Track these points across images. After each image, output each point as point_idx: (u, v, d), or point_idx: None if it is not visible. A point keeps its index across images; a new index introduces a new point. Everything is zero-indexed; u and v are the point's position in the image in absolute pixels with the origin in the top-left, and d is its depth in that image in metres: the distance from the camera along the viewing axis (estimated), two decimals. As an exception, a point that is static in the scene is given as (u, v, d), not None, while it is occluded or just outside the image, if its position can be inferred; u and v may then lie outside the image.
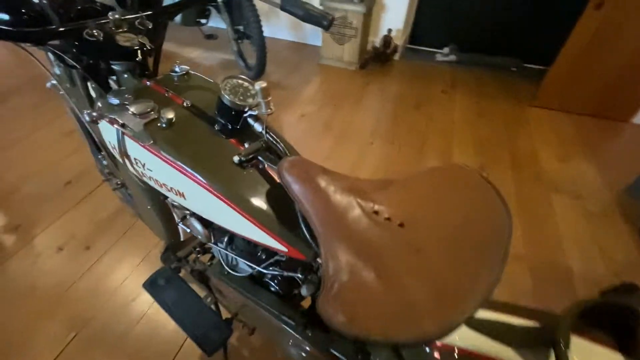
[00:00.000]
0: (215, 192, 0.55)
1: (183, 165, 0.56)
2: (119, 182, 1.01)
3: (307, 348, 0.67)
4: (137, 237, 1.35)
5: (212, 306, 0.90)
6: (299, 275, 0.64)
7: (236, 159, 0.56)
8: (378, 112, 2.18)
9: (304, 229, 0.54)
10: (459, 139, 1.98)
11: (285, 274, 0.66)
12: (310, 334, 0.67)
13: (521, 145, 1.94)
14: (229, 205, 0.55)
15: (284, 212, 0.55)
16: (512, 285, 1.25)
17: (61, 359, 1.00)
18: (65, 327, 1.07)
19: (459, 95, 2.39)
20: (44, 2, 0.58)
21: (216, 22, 3.09)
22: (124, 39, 0.63)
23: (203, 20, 2.64)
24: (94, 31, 0.60)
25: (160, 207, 0.86)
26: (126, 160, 0.65)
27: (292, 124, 2.05)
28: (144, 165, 0.62)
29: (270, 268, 0.69)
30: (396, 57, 2.87)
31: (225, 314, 0.94)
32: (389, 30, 2.66)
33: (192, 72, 0.73)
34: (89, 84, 0.73)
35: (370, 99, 2.32)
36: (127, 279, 1.21)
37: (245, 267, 0.74)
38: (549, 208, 1.57)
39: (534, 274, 1.29)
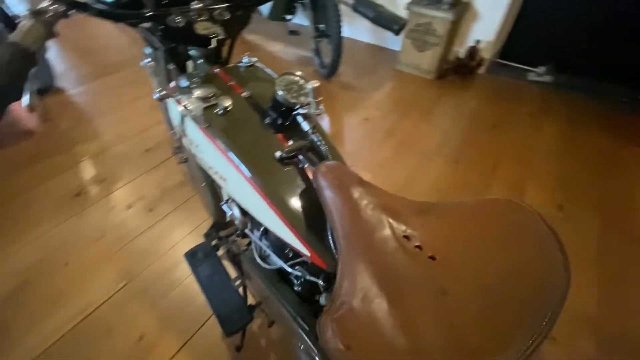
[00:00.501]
0: (251, 183, 0.56)
1: (228, 152, 0.58)
2: (183, 157, 1.10)
3: (316, 358, 0.65)
4: (193, 209, 1.47)
5: (240, 290, 0.93)
6: (321, 282, 0.62)
7: (277, 154, 0.56)
8: (448, 126, 2.04)
9: (330, 237, 0.52)
10: (537, 170, 1.75)
11: (308, 277, 0.65)
12: (321, 346, 0.65)
13: (615, 190, 1.64)
14: (262, 197, 0.55)
15: (314, 216, 0.54)
16: (570, 348, 1.07)
17: (109, 303, 1.14)
18: (118, 276, 1.21)
19: (548, 122, 2.11)
20: (141, -13, 0.65)
21: (301, 19, 3.20)
22: (202, 27, 0.67)
23: (289, 17, 2.75)
24: (177, 18, 0.65)
25: (211, 187, 0.91)
26: (184, 139, 0.70)
27: (352, 126, 2.03)
28: (197, 146, 0.66)
29: (296, 268, 0.69)
30: (481, 70, 2.64)
31: (250, 301, 0.97)
32: (477, 42, 2.46)
33: (258, 65, 0.76)
34: (169, 65, 0.81)
35: (442, 111, 2.18)
36: (175, 245, 1.32)
37: (274, 260, 0.75)
38: (637, 267, 1.30)
39: (600, 341, 1.08)
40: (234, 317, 0.88)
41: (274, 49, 2.89)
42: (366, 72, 2.59)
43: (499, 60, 2.83)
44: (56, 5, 0.49)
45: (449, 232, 0.44)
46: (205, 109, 0.62)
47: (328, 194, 0.49)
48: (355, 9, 0.68)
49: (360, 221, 0.45)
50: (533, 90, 2.44)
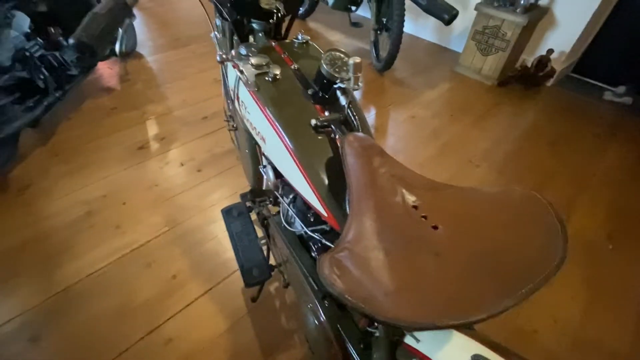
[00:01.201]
0: (285, 144, 0.62)
1: (270, 114, 0.65)
2: (234, 125, 1.21)
3: (321, 318, 0.71)
4: (236, 176, 1.59)
5: (264, 250, 1.02)
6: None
7: (313, 122, 0.62)
8: (500, 135, 1.95)
9: (347, 201, 0.56)
10: (591, 195, 1.62)
11: (324, 241, 0.70)
12: (326, 304, 0.70)
13: (685, 230, 1.47)
14: (293, 158, 0.61)
15: (336, 182, 0.58)
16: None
17: (153, 242, 1.30)
18: (163, 221, 1.37)
19: (615, 146, 1.92)
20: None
21: (365, 11, 3.21)
22: (265, 2, 0.75)
23: (353, 7, 2.78)
24: None
25: (253, 152, 1.00)
26: (236, 101, 0.78)
27: (398, 122, 2.02)
28: (245, 108, 0.74)
29: (316, 233, 0.74)
30: (549, 82, 2.46)
31: (272, 261, 1.05)
32: (549, 51, 2.29)
33: (311, 43, 0.81)
34: (234, 37, 0.90)
35: (496, 120, 2.08)
36: (215, 204, 1.45)
37: (298, 225, 0.82)
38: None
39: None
40: (254, 272, 0.97)
41: (333, 39, 2.94)
42: (422, 71, 2.54)
43: (572, 74, 2.61)
44: None
45: (456, 209, 0.47)
46: (257, 75, 0.69)
47: (350, 160, 0.53)
48: (410, -4, 0.70)
49: (375, 186, 0.48)
50: (605, 111, 2.23)
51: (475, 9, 2.28)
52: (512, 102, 2.25)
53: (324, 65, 0.63)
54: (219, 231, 1.34)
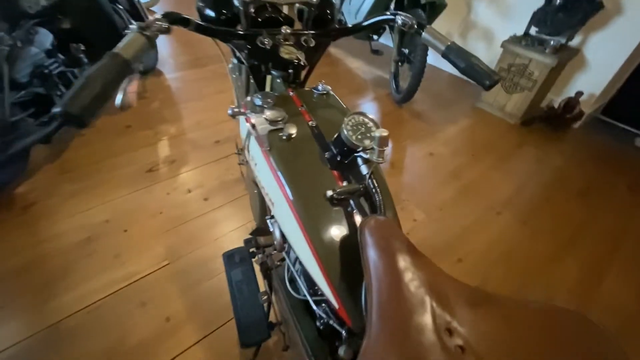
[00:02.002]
0: (295, 215, 0.55)
1: (281, 178, 0.58)
2: (244, 160, 1.15)
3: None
4: (243, 208, 1.53)
5: (265, 305, 0.93)
6: (344, 333, 0.58)
7: (329, 193, 0.55)
8: (524, 180, 1.84)
9: (363, 298, 0.48)
10: (626, 257, 1.48)
11: (332, 322, 0.62)
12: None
13: None
14: (303, 233, 0.54)
15: (351, 268, 0.51)
16: None
17: (151, 277, 1.23)
18: (164, 253, 1.31)
19: (652, 200, 1.79)
20: (241, 8, 0.69)
21: (386, 39, 3.19)
22: (286, 51, 0.69)
23: (375, 36, 2.76)
24: (265, 40, 0.68)
25: (261, 197, 0.93)
26: (246, 152, 0.72)
27: (416, 158, 1.94)
28: (256, 164, 0.68)
29: (322, 305, 0.66)
30: (576, 125, 2.35)
31: (272, 317, 0.96)
32: (579, 93, 2.19)
33: (332, 94, 0.75)
34: (250, 79, 0.85)
35: (520, 162, 1.98)
36: (220, 237, 1.39)
37: (302, 289, 0.73)
38: None
39: None
40: (252, 330, 0.89)
41: (353, 66, 2.91)
42: (442, 105, 2.47)
43: (601, 117, 2.49)
44: (161, 23, 0.54)
45: (503, 337, 0.38)
46: (271, 131, 0.63)
47: (371, 254, 0.45)
48: (446, 55, 0.64)
49: (400, 296, 0.40)
50: (638, 159, 2.09)
51: (502, 46, 2.21)
52: (536, 144, 2.15)
53: (345, 131, 0.56)
54: (221, 269, 1.26)
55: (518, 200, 1.72)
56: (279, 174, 0.59)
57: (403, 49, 2.30)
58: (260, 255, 1.04)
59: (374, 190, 0.56)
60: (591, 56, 2.17)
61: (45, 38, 1.68)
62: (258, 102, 0.68)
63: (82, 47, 1.89)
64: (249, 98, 0.72)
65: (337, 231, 0.53)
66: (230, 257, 1.03)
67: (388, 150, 0.51)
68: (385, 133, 0.50)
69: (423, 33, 0.66)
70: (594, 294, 1.33)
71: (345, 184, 0.58)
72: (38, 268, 1.23)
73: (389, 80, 2.55)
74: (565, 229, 1.58)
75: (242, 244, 1.33)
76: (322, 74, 2.66)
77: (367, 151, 0.56)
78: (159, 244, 1.34)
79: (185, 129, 1.98)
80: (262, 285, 0.98)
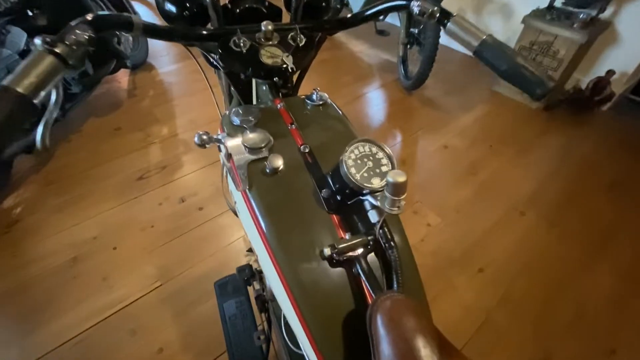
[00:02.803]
0: (284, 282, 0.42)
1: (264, 229, 0.44)
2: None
3: None
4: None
5: (263, 345, 0.82)
6: None
7: (326, 251, 0.41)
8: (549, 174, 1.67)
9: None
10: (668, 259, 1.32)
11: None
12: None
13: None
14: (293, 305, 0.41)
15: (354, 353, 0.38)
16: None
17: (141, 302, 1.13)
18: (155, 273, 1.20)
19: (694, 193, 1.60)
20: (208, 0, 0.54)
21: (393, 18, 2.94)
22: (268, 54, 0.54)
23: (380, 16, 2.53)
24: (241, 41, 0.52)
25: None
26: (224, 180, 0.58)
27: (428, 152, 1.77)
28: (235, 203, 0.54)
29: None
30: (604, 107, 2.14)
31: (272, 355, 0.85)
32: (610, 72, 1.97)
33: (330, 103, 0.60)
34: (231, 87, 0.70)
35: (544, 152, 1.80)
36: (215, 253, 1.27)
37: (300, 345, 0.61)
38: None
39: None
40: (248, 373, 0.78)
41: (356, 49, 2.70)
42: (456, 90, 2.27)
43: (631, 97, 2.26)
44: (81, 32, 0.38)
45: None
46: (252, 162, 0.49)
47: (385, 350, 0.32)
48: (479, 54, 0.47)
49: None
50: (678, 145, 1.89)
51: (523, 21, 1.98)
52: (561, 131, 1.95)
53: (346, 166, 0.41)
54: (217, 290, 1.16)
55: (543, 197, 1.55)
56: (261, 222, 0.45)
57: (412, 30, 2.10)
58: (255, 283, 0.93)
59: (387, 245, 0.42)
60: (624, 29, 1.93)
61: (19, 38, 1.53)
62: (236, 120, 0.54)
63: (63, 44, 1.74)
64: (227, 112, 0.58)
65: (336, 301, 0.40)
66: (222, 287, 0.91)
67: (404, 198, 0.37)
68: (402, 178, 0.35)
69: (448, 24, 0.50)
70: (630, 305, 1.19)
71: (348, 235, 0.44)
72: (21, 294, 1.14)
73: (396, 64, 2.34)
74: (596, 229, 1.42)
75: (241, 259, 1.22)
76: (322, 61, 2.47)
77: (377, 194, 0.41)
78: (150, 262, 1.24)
79: (178, 128, 1.84)
80: (258, 316, 0.87)
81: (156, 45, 2.53)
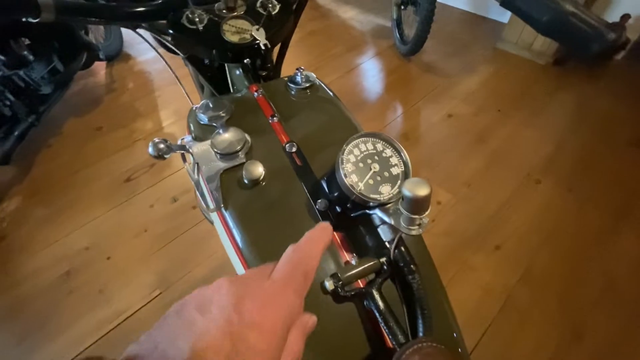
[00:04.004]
0: None
1: (244, 257, 0.35)
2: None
3: None
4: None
5: None
6: None
7: (328, 284, 0.32)
8: (564, 135, 1.55)
9: None
10: (699, 218, 1.23)
11: None
12: None
13: None
14: None
15: None
16: None
17: (141, 313, 1.07)
18: (154, 281, 1.13)
19: None
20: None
21: (384, -23, 2.70)
22: (232, 29, 0.42)
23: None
24: (195, 15, 0.41)
25: None
26: (198, 195, 0.48)
27: (432, 123, 1.65)
28: (212, 222, 0.45)
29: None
30: (619, 56, 1.97)
31: None
32: (625, 17, 1.77)
33: (319, 84, 0.49)
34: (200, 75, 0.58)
35: (557, 112, 1.67)
36: (214, 254, 1.20)
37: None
38: None
39: None
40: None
41: (347, 16, 2.50)
42: (458, 51, 2.10)
43: (649, 42, 2.07)
44: None
45: None
46: (225, 172, 0.39)
47: None
48: (509, 4, 0.36)
49: None
50: (703, 91, 1.75)
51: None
52: (574, 87, 1.81)
53: (344, 173, 0.31)
54: (220, 294, 1.09)
55: (559, 161, 1.44)
56: (241, 249, 0.35)
57: (405, -12, 1.90)
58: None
59: (406, 270, 0.32)
60: (643, -36, 1.73)
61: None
62: (204, 118, 0.43)
63: (26, 42, 1.59)
64: (193, 108, 0.47)
65: (347, 354, 0.31)
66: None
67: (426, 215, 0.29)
68: (424, 191, 0.25)
69: None
70: (663, 270, 1.11)
71: (354, 259, 0.34)
72: (16, 314, 1.09)
73: (391, 28, 2.16)
74: (618, 192, 1.32)
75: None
76: (309, 33, 2.29)
77: (389, 206, 0.31)
78: (147, 270, 1.17)
79: (163, 121, 1.73)
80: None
81: (131, 32, 2.34)
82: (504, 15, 2.20)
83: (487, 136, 1.56)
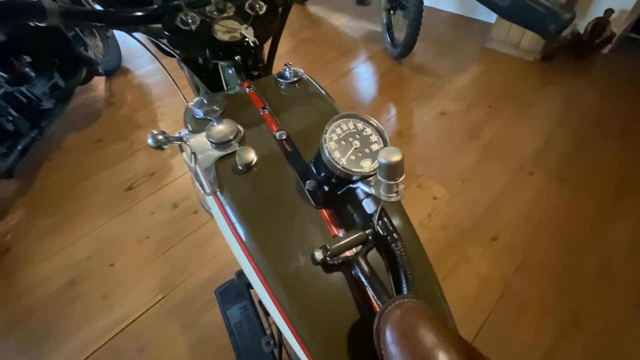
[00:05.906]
0: (270, 292, 0.35)
1: (242, 237, 0.37)
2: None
3: None
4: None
5: (274, 350, 0.77)
6: None
7: (317, 255, 0.34)
8: (553, 128, 1.58)
9: None
10: (690, 201, 1.25)
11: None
12: None
13: None
14: (284, 318, 0.34)
15: None
16: None
17: (145, 317, 1.08)
18: (157, 285, 1.15)
19: None
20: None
21: (373, -15, 2.78)
22: (223, 29, 0.45)
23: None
24: (188, 17, 0.44)
25: None
26: (196, 183, 0.51)
27: (425, 122, 1.68)
28: (210, 209, 0.48)
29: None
30: (605, 49, 2.02)
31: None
32: (609, 11, 1.84)
33: (307, 78, 0.52)
34: (194, 75, 0.62)
35: (546, 106, 1.71)
36: (217, 256, 1.21)
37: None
38: None
39: None
40: (261, 383, 0.73)
41: (338, 23, 2.56)
42: (447, 51, 2.15)
43: (632, 35, 2.13)
44: None
45: None
46: (220, 160, 0.41)
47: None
48: (476, -8, 0.39)
49: None
50: (688, 79, 1.79)
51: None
52: (562, 81, 1.85)
53: (327, 151, 0.34)
54: (222, 295, 1.11)
55: (551, 153, 1.47)
56: (237, 228, 0.38)
57: (393, -7, 1.96)
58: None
59: (389, 238, 0.35)
60: (621, -39, 1.79)
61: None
62: (199, 112, 0.46)
63: (28, 59, 1.64)
64: (188, 105, 0.50)
65: (338, 320, 0.33)
66: (223, 294, 0.85)
67: (402, 182, 0.32)
68: (396, 156, 0.28)
69: None
70: (658, 254, 1.13)
71: (342, 232, 0.37)
72: (23, 324, 1.10)
73: (381, 33, 2.22)
74: (610, 180, 1.35)
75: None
76: (302, 41, 2.35)
77: (370, 179, 0.34)
78: (149, 275, 1.19)
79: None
80: (265, 320, 0.82)
81: (129, 47, 2.40)
82: (491, 16, 2.26)
83: (480, 131, 1.59)
